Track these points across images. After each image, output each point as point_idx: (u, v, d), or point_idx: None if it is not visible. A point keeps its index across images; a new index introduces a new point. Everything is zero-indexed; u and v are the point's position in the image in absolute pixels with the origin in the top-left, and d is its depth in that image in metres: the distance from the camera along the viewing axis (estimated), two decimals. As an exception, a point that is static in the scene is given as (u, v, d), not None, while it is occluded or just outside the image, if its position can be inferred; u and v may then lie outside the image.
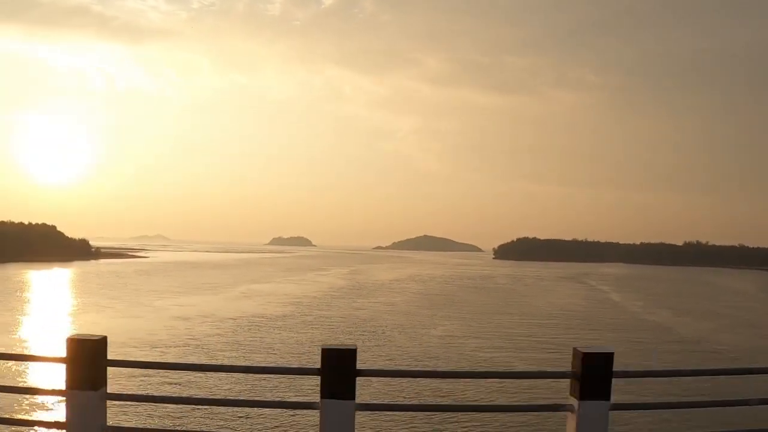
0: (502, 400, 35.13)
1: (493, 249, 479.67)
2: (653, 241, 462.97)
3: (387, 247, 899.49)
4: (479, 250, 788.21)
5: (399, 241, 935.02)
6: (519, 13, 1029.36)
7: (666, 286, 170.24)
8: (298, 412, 30.39)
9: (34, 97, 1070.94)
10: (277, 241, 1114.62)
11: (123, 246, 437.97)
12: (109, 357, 6.00)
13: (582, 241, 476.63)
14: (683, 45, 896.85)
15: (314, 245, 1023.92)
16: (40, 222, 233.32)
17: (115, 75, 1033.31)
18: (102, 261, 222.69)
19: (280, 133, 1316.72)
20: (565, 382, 5.96)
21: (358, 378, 5.93)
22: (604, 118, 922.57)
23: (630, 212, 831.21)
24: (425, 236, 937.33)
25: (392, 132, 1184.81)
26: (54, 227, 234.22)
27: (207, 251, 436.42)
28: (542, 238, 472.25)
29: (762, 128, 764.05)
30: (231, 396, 35.66)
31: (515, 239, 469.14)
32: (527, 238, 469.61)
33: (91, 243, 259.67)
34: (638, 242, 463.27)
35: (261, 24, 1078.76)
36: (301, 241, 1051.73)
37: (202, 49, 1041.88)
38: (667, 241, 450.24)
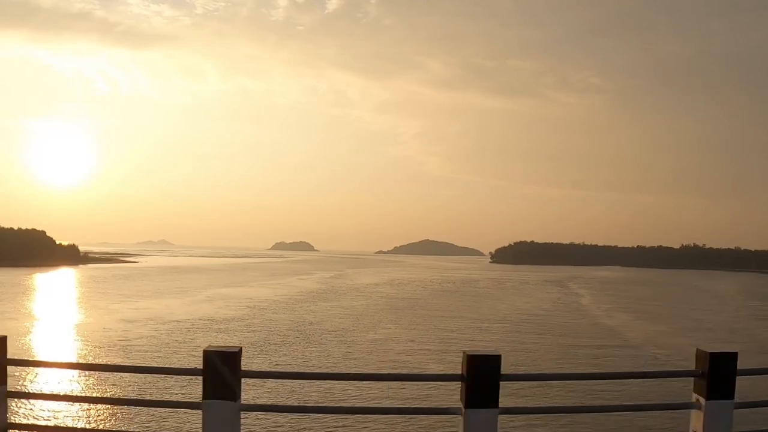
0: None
1: (490, 253, 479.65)
2: (651, 243, 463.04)
3: (389, 252, 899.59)
4: (480, 253, 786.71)
5: (401, 246, 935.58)
6: (521, 16, 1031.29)
7: (648, 290, 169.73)
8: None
9: (37, 101, 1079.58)
10: (280, 246, 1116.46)
11: (123, 251, 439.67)
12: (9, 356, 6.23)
13: (579, 244, 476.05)
14: (683, 47, 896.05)
15: (316, 250, 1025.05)
16: (39, 226, 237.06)
17: (119, 80, 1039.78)
18: (89, 266, 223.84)
19: (284, 137, 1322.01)
20: None
21: None
22: (606, 120, 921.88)
23: (629, 214, 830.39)
24: (427, 240, 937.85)
25: (396, 135, 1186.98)
26: (43, 232, 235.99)
27: (203, 256, 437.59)
28: (541, 241, 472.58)
29: (759, 131, 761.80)
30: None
31: (513, 243, 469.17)
32: (525, 241, 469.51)
33: (94, 249, 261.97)
34: (635, 245, 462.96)
35: (265, 29, 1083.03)
36: (304, 246, 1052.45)
37: (206, 54, 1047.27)
38: (665, 244, 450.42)
